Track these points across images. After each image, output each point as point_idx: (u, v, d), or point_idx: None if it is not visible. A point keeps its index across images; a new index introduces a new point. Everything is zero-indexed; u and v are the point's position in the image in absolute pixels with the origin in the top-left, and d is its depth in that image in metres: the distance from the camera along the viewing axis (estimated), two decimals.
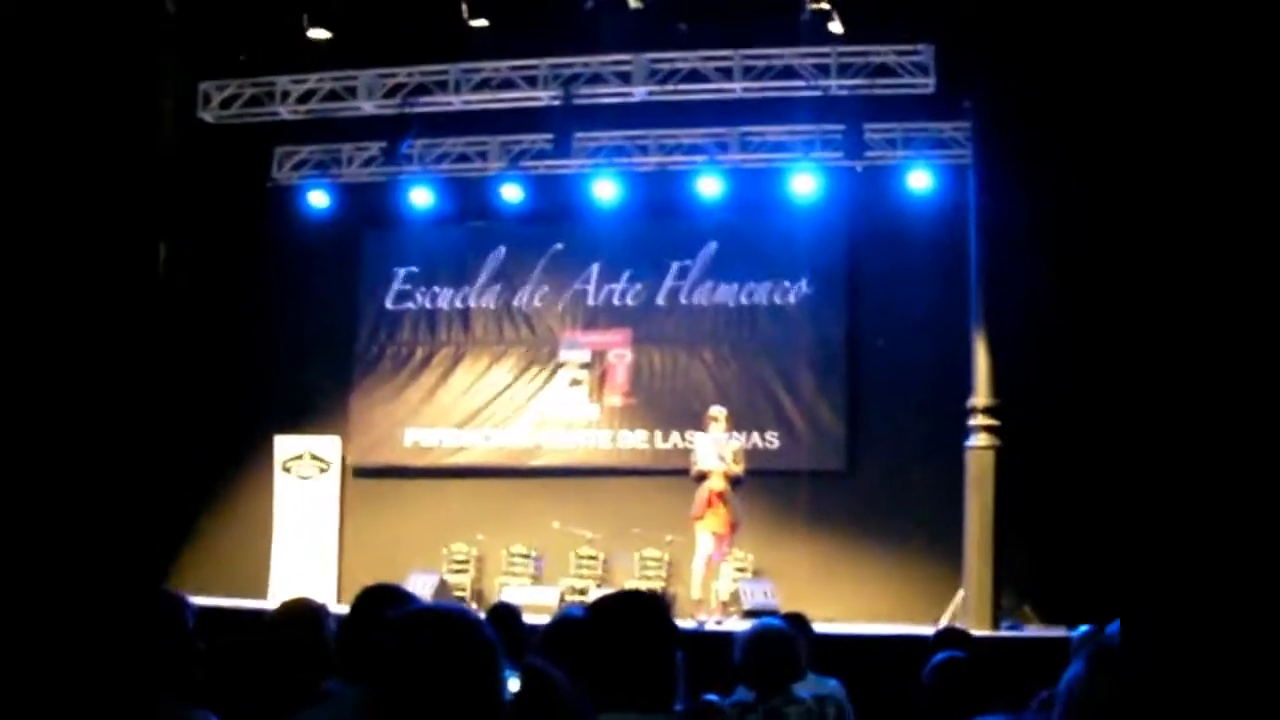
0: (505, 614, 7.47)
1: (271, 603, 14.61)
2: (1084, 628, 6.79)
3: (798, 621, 7.34)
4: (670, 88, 16.18)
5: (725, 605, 14.51)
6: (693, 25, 15.83)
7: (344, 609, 4.75)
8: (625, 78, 16.21)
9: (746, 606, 14.40)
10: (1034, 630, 13.69)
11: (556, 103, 16.39)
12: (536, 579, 16.93)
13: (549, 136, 16.85)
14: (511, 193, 17.65)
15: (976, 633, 11.49)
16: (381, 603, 4.25)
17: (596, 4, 15.15)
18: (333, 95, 16.98)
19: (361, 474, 18.28)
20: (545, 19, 16.03)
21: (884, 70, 15.68)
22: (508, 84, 16.55)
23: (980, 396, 14.19)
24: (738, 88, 16.07)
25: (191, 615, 4.03)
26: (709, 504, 14.06)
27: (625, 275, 17.85)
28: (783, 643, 5.93)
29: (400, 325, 18.48)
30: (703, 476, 14.11)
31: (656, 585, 16.24)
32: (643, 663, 3.48)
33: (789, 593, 14.84)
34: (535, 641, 5.08)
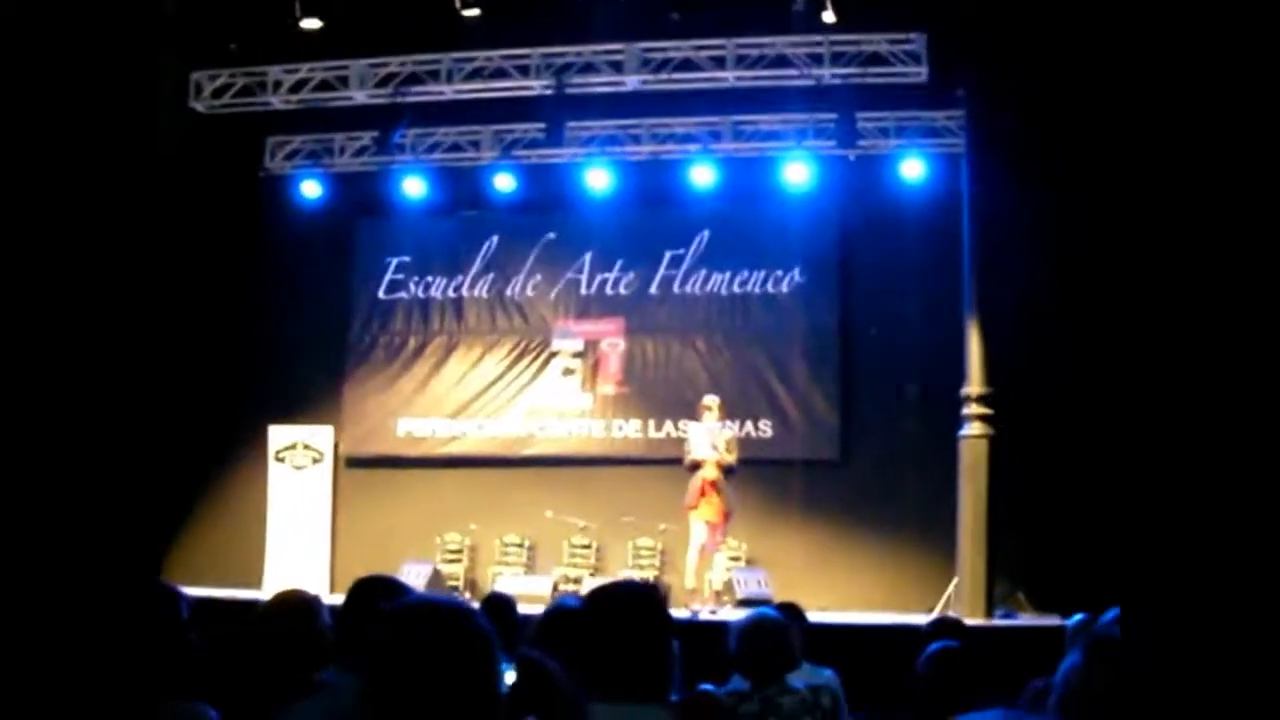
0: (499, 604, 7.46)
1: (266, 593, 14.64)
2: (1078, 616, 6.80)
3: (792, 611, 7.34)
4: (663, 77, 16.16)
5: (719, 594, 14.51)
6: (685, 14, 15.84)
7: (338, 599, 4.75)
8: (618, 67, 16.18)
9: (740, 596, 14.43)
10: (1027, 618, 13.71)
11: (549, 92, 16.36)
12: (530, 568, 16.95)
13: (541, 126, 16.82)
14: (504, 182, 17.62)
15: (970, 621, 11.52)
16: (376, 594, 4.26)
17: None
18: (325, 85, 16.94)
19: (355, 464, 18.28)
20: (537, 8, 16.02)
21: (876, 59, 15.66)
22: (500, 73, 16.52)
23: (974, 385, 14.20)
24: (730, 77, 16.04)
25: (186, 608, 4.03)
26: (702, 493, 14.06)
27: (618, 264, 17.85)
28: (777, 632, 5.93)
29: (393, 315, 18.47)
30: (696, 466, 14.11)
31: (650, 574, 16.28)
32: (638, 653, 3.48)
33: (782, 582, 14.86)
34: (529, 632, 5.09)
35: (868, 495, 16.36)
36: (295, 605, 5.14)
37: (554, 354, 17.91)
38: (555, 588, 15.85)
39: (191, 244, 16.74)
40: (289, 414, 18.24)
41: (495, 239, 18.22)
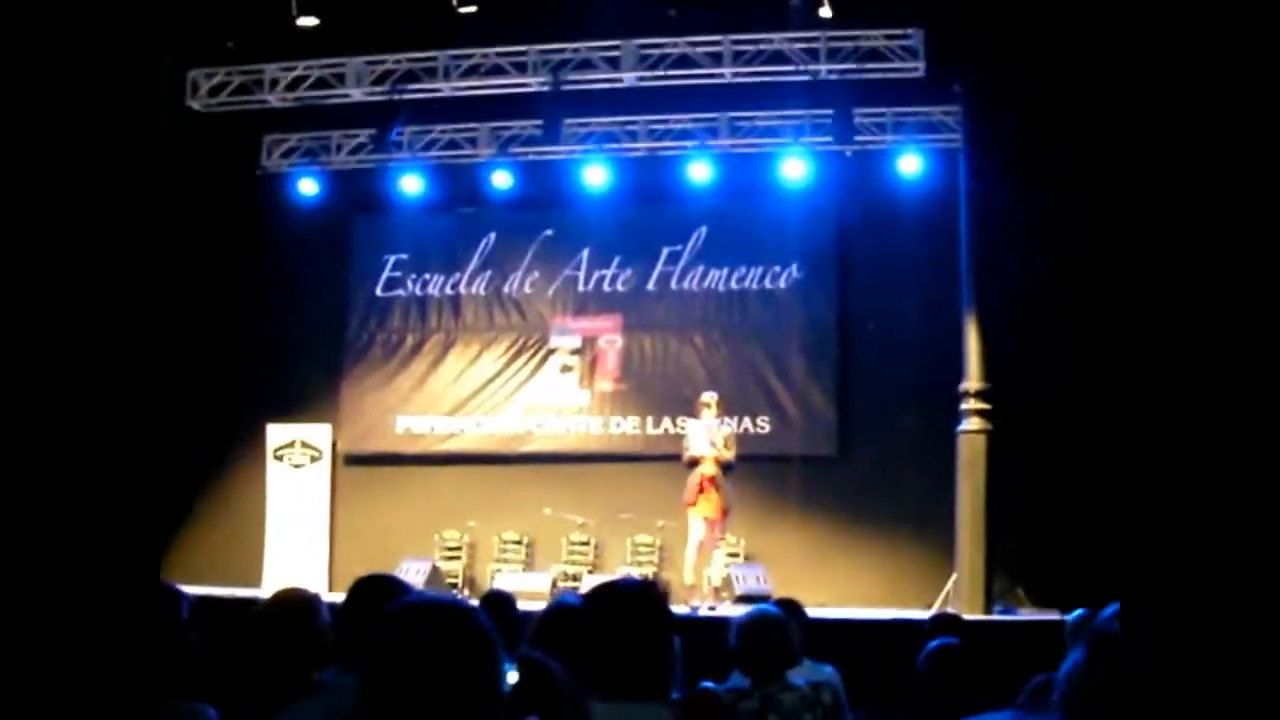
0: (499, 602, 7.45)
1: (265, 591, 14.62)
2: (1078, 611, 6.79)
3: (791, 608, 7.33)
4: (660, 73, 16.14)
5: (718, 591, 14.50)
6: (682, 10, 15.81)
7: (337, 597, 4.74)
8: (615, 63, 16.17)
9: (739, 592, 14.42)
10: (1026, 614, 13.71)
11: (546, 89, 16.35)
12: (528, 565, 16.95)
13: (538, 122, 16.82)
14: (501, 179, 17.62)
15: (969, 616, 11.54)
16: (377, 593, 4.25)
17: None
18: (321, 82, 16.92)
19: (353, 462, 18.27)
20: (534, 4, 16.02)
21: (873, 54, 15.65)
22: (497, 70, 16.51)
23: (972, 380, 14.21)
24: (727, 73, 16.04)
25: (187, 608, 4.02)
26: (701, 489, 14.06)
27: (615, 261, 17.84)
28: (778, 629, 5.93)
29: (391, 312, 18.46)
30: (695, 462, 14.11)
31: (649, 571, 16.27)
32: (639, 651, 3.48)
33: (781, 578, 14.85)
34: (529, 630, 5.09)
35: (866, 491, 16.36)
36: (295, 604, 5.13)
37: (552, 351, 17.91)
38: (554, 584, 15.83)
39: (189, 243, 16.72)
40: (287, 412, 18.24)
41: (493, 236, 18.22)
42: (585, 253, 17.92)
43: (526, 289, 18.08)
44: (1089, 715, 2.11)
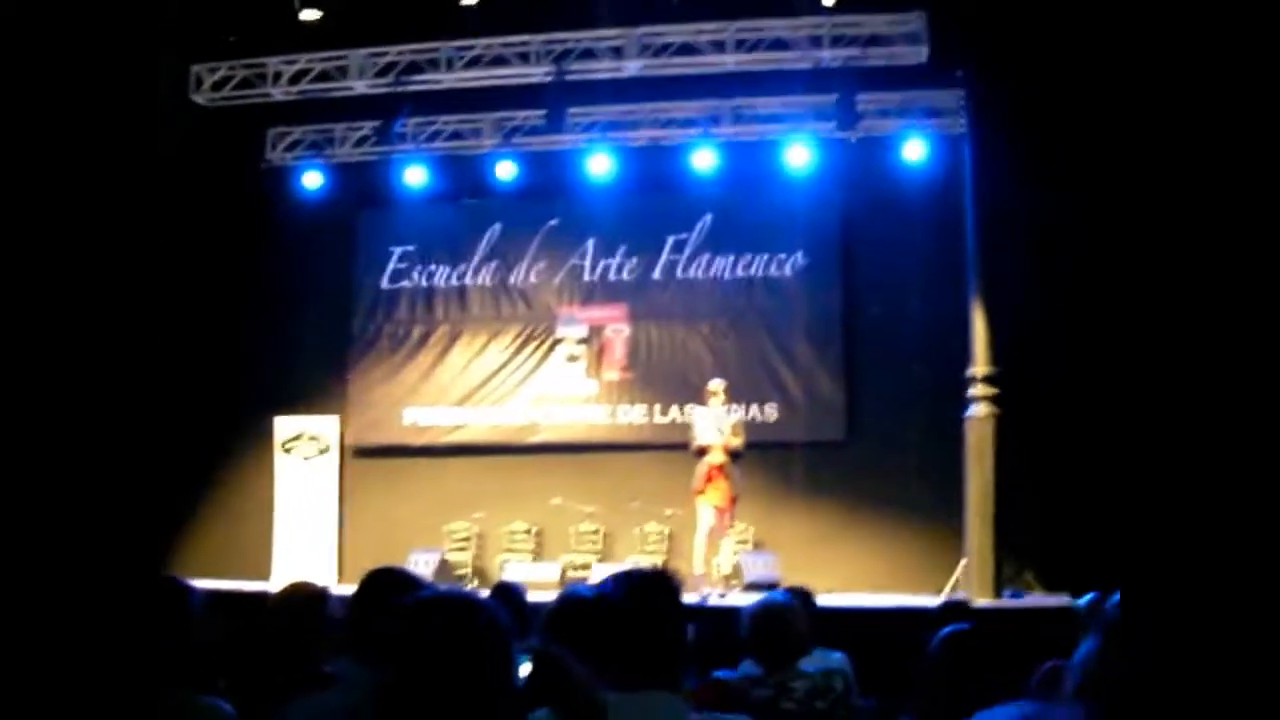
0: (509, 593, 7.48)
1: (274, 584, 14.65)
2: (1089, 595, 6.80)
3: (802, 596, 7.35)
4: (663, 61, 16.14)
5: (727, 578, 14.52)
6: None
7: (346, 589, 4.75)
8: (618, 52, 16.16)
9: (748, 579, 14.44)
10: (1036, 598, 13.72)
11: (549, 79, 16.34)
12: (537, 555, 16.96)
13: (542, 112, 16.81)
14: (506, 169, 17.63)
15: (979, 602, 11.54)
16: (389, 586, 4.26)
17: None
18: (324, 75, 16.93)
19: (361, 454, 18.29)
20: None
21: (876, 40, 15.63)
22: (500, 61, 16.50)
23: (979, 365, 14.21)
24: (730, 60, 16.02)
25: (198, 602, 4.03)
26: (709, 478, 14.08)
27: (621, 250, 17.84)
28: (788, 617, 5.94)
29: (397, 304, 18.46)
30: (702, 451, 14.13)
31: (658, 560, 16.27)
32: (652, 641, 3.48)
33: (789, 564, 14.86)
34: (541, 621, 5.09)
35: (874, 477, 16.35)
36: (305, 597, 5.15)
37: (558, 341, 17.91)
38: (563, 574, 15.87)
39: (194, 238, 16.77)
40: (294, 405, 18.25)
41: (498, 227, 18.22)
42: (590, 242, 17.92)
43: (532, 279, 18.08)
44: (1105, 705, 2.11)
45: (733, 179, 17.29)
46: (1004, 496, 13.87)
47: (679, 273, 17.64)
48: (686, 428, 14.92)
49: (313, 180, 18.19)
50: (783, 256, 17.30)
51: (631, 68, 16.20)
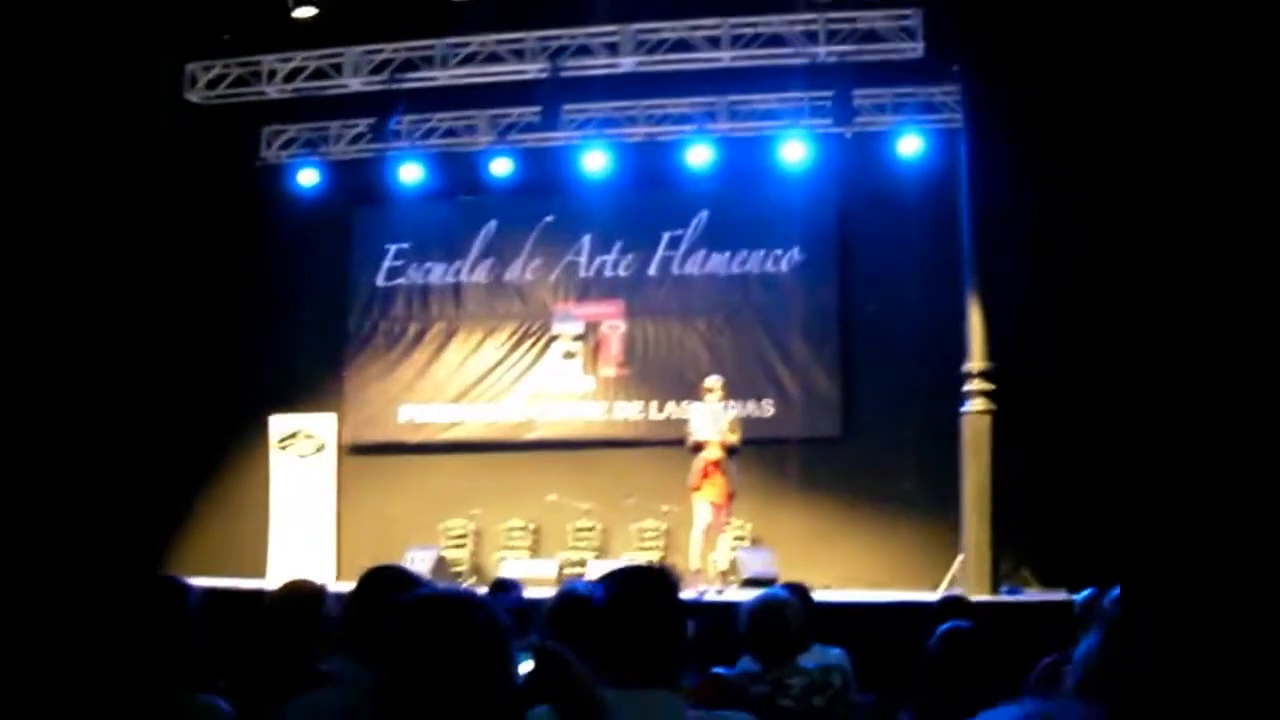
0: (507, 590, 7.48)
1: (271, 582, 14.67)
2: (1086, 591, 6.79)
3: (800, 592, 7.35)
4: (658, 58, 16.14)
5: (724, 575, 14.52)
6: None
7: (343, 587, 4.74)
8: (613, 48, 16.17)
9: (745, 575, 14.44)
10: (1033, 594, 13.72)
11: (544, 75, 16.35)
12: (534, 552, 16.97)
13: (537, 109, 16.82)
14: (501, 166, 17.62)
15: (976, 597, 11.53)
16: (387, 584, 4.25)
17: None
18: (319, 73, 16.92)
19: (357, 451, 18.29)
20: None
21: (872, 36, 15.64)
22: (494, 57, 16.50)
23: (975, 361, 14.20)
24: (726, 56, 16.03)
25: (196, 601, 4.03)
26: (706, 474, 14.07)
27: (617, 246, 17.84)
28: (787, 614, 5.94)
29: (393, 302, 18.46)
30: (699, 447, 14.11)
31: (654, 556, 16.28)
32: (651, 638, 3.48)
33: (786, 560, 14.88)
34: (540, 619, 5.09)
35: (870, 472, 16.37)
36: (303, 595, 5.15)
37: (554, 337, 17.91)
38: (560, 571, 15.86)
39: (190, 236, 16.75)
40: (290, 403, 18.24)
41: (493, 223, 18.21)
42: (586, 239, 17.92)
43: (528, 276, 18.08)
44: (1109, 702, 2.11)
45: (728, 175, 17.29)
46: (1000, 492, 13.87)
47: (675, 269, 17.64)
48: (683, 424, 14.91)
49: (308, 178, 18.18)
50: (779, 252, 17.31)
51: (627, 64, 16.20)
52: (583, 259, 17.93)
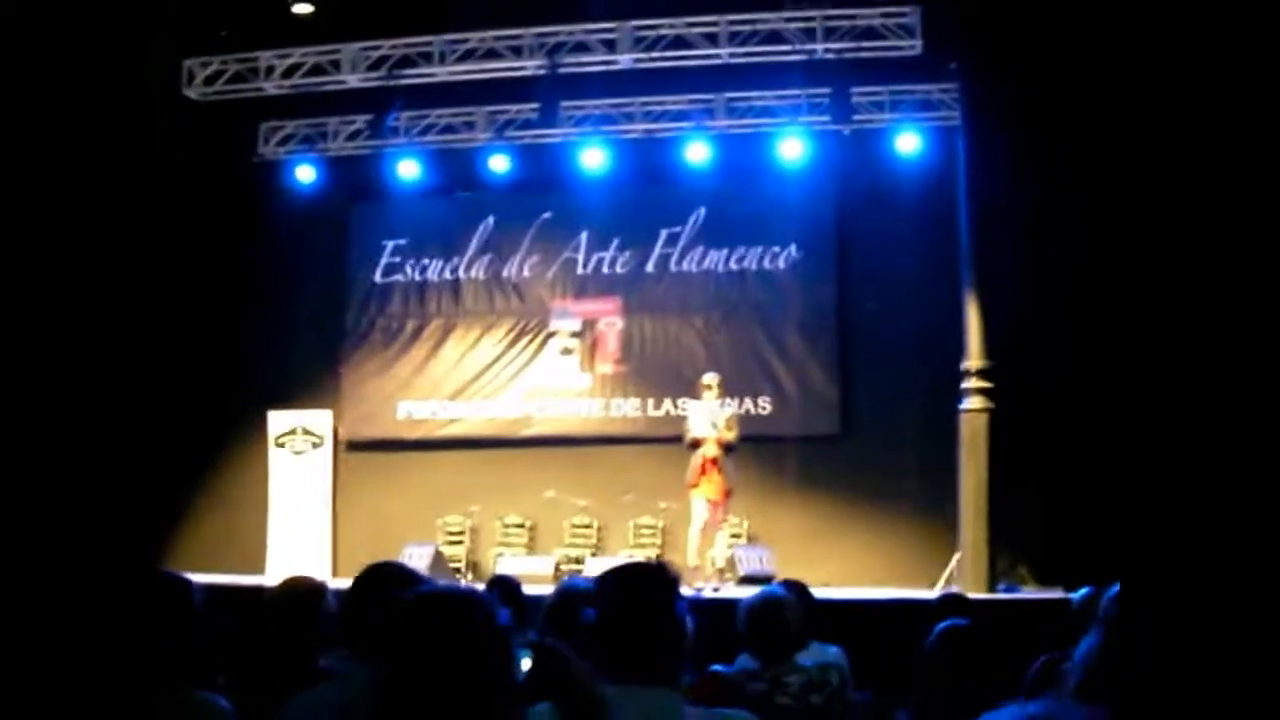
0: (506, 586, 7.48)
1: (269, 579, 14.66)
2: (1084, 590, 6.80)
3: (798, 589, 7.35)
4: (656, 54, 16.14)
5: (721, 572, 14.52)
6: None
7: (340, 583, 4.74)
8: (610, 45, 16.16)
9: (743, 573, 14.44)
10: (1030, 592, 13.72)
11: (542, 72, 16.34)
12: (531, 549, 16.97)
13: (535, 106, 16.81)
14: (499, 163, 17.62)
15: (973, 595, 11.52)
16: (386, 581, 4.26)
17: None
18: (317, 69, 16.91)
19: (354, 448, 18.28)
20: None
21: (870, 33, 15.63)
22: (492, 54, 16.49)
23: (973, 359, 14.19)
24: (724, 53, 16.02)
25: (198, 598, 4.03)
26: (703, 471, 14.05)
27: (614, 243, 17.83)
28: (785, 611, 5.93)
29: (390, 298, 18.45)
30: (696, 444, 14.10)
31: (652, 553, 16.28)
32: (649, 636, 3.48)
33: (783, 557, 14.89)
34: (538, 615, 5.09)
35: (868, 470, 16.37)
36: (303, 592, 5.14)
37: (552, 334, 17.91)
38: (557, 568, 15.86)
39: (187, 232, 16.75)
40: (288, 399, 18.24)
41: (491, 220, 18.21)
42: (584, 235, 17.92)
43: (526, 272, 18.07)
44: (1110, 705, 2.11)
45: (726, 172, 17.29)
46: (998, 490, 13.86)
47: (672, 266, 17.64)
48: (680, 421, 14.90)
49: (305, 174, 18.17)
50: (776, 250, 17.31)
51: (624, 61, 16.20)
52: (580, 256, 17.93)
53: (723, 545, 14.70)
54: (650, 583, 3.57)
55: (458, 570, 16.56)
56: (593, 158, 17.38)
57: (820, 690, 5.82)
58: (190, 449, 17.37)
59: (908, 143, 16.56)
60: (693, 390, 14.82)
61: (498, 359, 18.02)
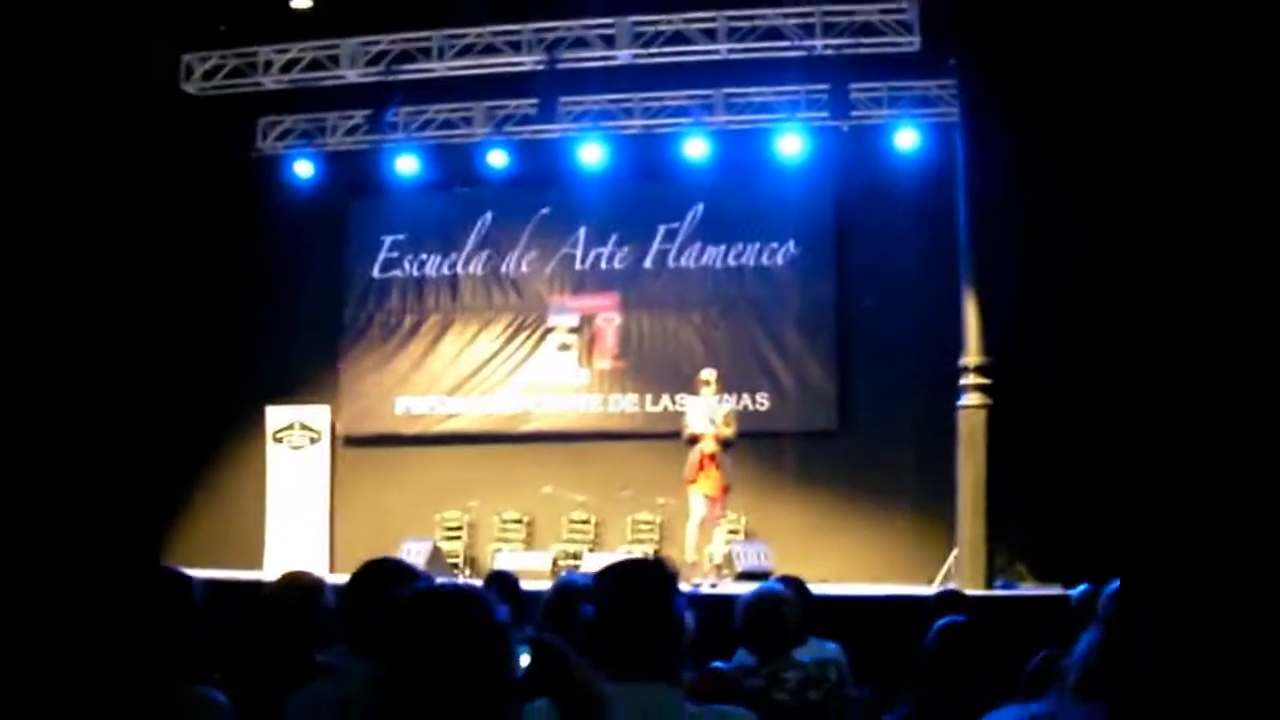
0: (504, 582, 7.48)
1: (267, 574, 14.66)
2: (1082, 587, 6.81)
3: (796, 585, 7.34)
4: (654, 50, 16.14)
5: (719, 568, 14.52)
6: None
7: (338, 578, 4.74)
8: (609, 41, 16.16)
9: (740, 569, 14.45)
10: (1028, 588, 13.73)
11: (540, 67, 16.33)
12: (529, 544, 16.98)
13: (533, 101, 16.79)
14: (497, 158, 17.63)
15: (971, 592, 11.53)
16: (384, 577, 4.26)
17: None
18: (316, 64, 16.90)
19: (352, 443, 18.28)
20: None
21: (869, 29, 15.62)
22: (491, 49, 16.48)
23: (971, 355, 14.18)
24: (722, 49, 16.01)
25: (198, 593, 4.03)
26: (701, 467, 14.04)
27: (613, 239, 17.83)
28: (783, 607, 5.94)
29: (388, 293, 18.45)
30: (694, 440, 14.09)
31: (649, 549, 16.30)
32: (648, 632, 3.47)
33: (781, 553, 14.91)
34: (536, 611, 5.10)
35: (866, 466, 16.38)
36: (302, 587, 5.15)
37: (550, 329, 17.91)
38: (555, 563, 15.88)
39: (185, 227, 16.72)
40: (286, 394, 18.24)
41: (489, 215, 18.21)
42: (582, 231, 17.91)
43: (524, 268, 18.07)
44: (1108, 702, 2.11)
45: (724, 168, 17.29)
46: (996, 487, 13.85)
47: (670, 262, 17.64)
48: (678, 417, 14.90)
49: (304, 169, 18.18)
50: (774, 246, 17.31)
51: (623, 56, 16.19)
52: (578, 251, 17.93)
53: (720, 541, 14.70)
54: (649, 579, 3.57)
55: (455, 566, 16.57)
56: (591, 153, 17.37)
57: (818, 686, 5.82)
58: (188, 444, 17.35)
59: (906, 139, 16.56)
60: (691, 386, 14.82)
61: (496, 354, 18.02)
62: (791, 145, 16.73)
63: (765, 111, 17.09)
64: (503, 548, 16.78)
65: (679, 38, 16.00)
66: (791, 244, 17.25)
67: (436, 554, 15.92)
